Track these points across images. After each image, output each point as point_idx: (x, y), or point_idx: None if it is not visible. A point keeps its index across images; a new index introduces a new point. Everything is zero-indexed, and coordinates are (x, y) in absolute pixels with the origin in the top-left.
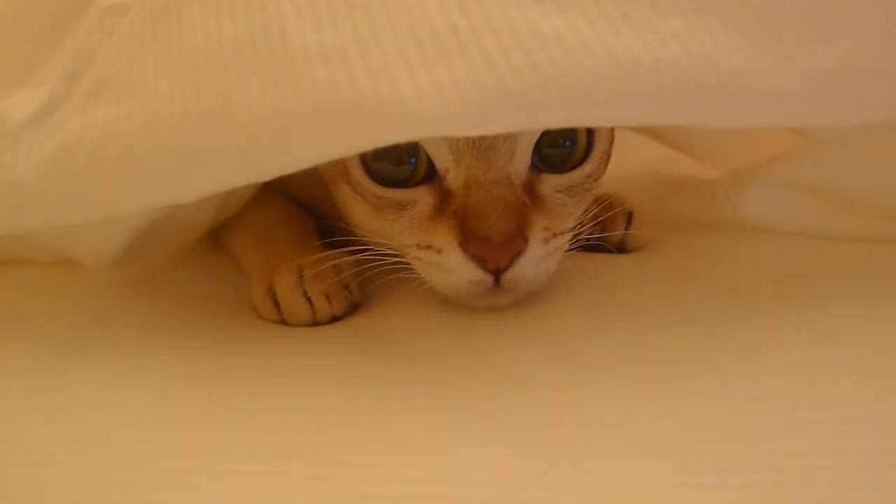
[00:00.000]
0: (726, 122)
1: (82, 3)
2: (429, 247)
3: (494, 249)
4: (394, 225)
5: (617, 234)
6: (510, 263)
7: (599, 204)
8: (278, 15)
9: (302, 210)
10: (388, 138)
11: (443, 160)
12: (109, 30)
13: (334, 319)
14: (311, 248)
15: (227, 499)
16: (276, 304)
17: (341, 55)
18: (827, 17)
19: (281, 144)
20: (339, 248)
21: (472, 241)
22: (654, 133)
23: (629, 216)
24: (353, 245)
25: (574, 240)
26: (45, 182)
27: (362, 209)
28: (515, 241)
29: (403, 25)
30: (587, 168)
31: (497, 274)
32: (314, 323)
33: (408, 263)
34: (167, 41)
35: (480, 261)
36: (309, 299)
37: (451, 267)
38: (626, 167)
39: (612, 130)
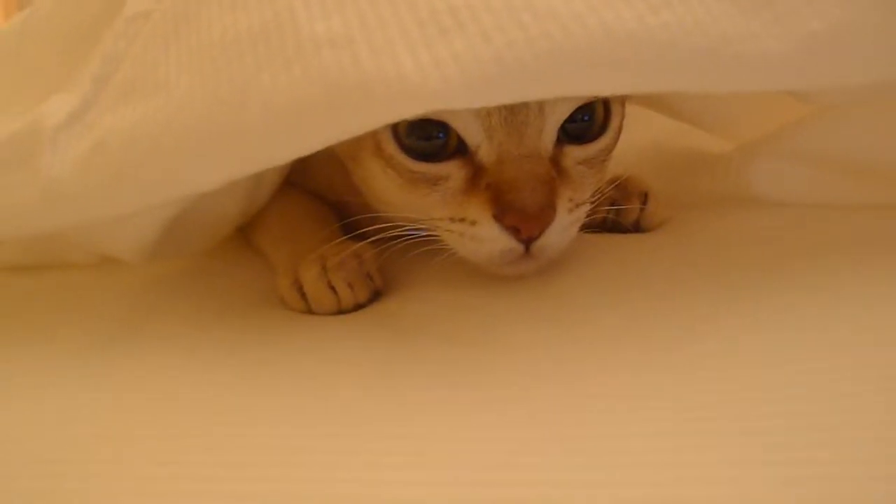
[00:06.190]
0: (721, 88)
1: (110, 14)
2: (462, 219)
3: (529, 220)
4: (426, 199)
5: (633, 212)
6: (541, 233)
7: (615, 185)
8: (288, 7)
9: (323, 203)
10: (395, 114)
11: (474, 137)
12: (134, 35)
13: (358, 307)
14: (333, 239)
15: (267, 477)
16: (302, 294)
17: (347, 39)
18: None
19: (295, 128)
20: (360, 239)
21: (507, 212)
22: (664, 107)
23: (645, 197)
24: (376, 225)
25: (590, 215)
26: (80, 179)
27: (394, 184)
28: (547, 212)
29: (405, 8)
30: (604, 141)
31: (528, 243)
32: (339, 311)
33: (436, 236)
34: (187, 40)
35: (515, 231)
36: (333, 289)
37: (485, 237)
38: (638, 144)
39: (623, 105)
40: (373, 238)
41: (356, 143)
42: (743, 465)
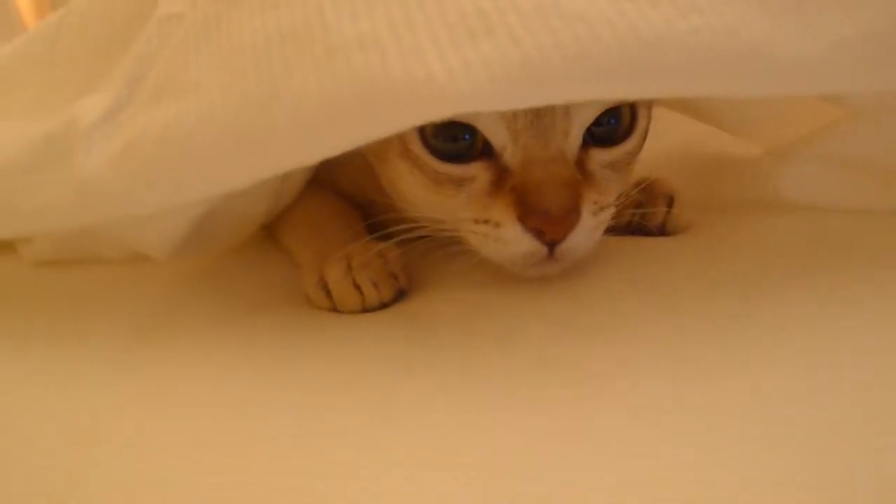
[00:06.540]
0: (752, 92)
1: (142, 15)
2: (486, 221)
3: (553, 223)
4: (451, 200)
5: (658, 215)
6: (565, 235)
7: (641, 188)
8: (318, 9)
9: (349, 202)
10: (423, 117)
11: (499, 139)
12: (167, 36)
13: (383, 306)
14: (358, 238)
15: (286, 475)
16: (327, 293)
17: (376, 42)
18: None
19: (324, 128)
20: (386, 238)
21: (532, 215)
22: (692, 110)
23: (671, 200)
24: (401, 225)
25: (615, 218)
26: (112, 178)
27: (420, 184)
28: (571, 215)
29: (434, 11)
30: (630, 144)
31: (552, 245)
32: (364, 310)
33: (461, 237)
34: (218, 42)
35: (538, 234)
36: (358, 288)
37: (509, 239)
38: (667, 147)
39: (650, 109)
40: (398, 238)
41: (383, 144)
42: (768, 473)
